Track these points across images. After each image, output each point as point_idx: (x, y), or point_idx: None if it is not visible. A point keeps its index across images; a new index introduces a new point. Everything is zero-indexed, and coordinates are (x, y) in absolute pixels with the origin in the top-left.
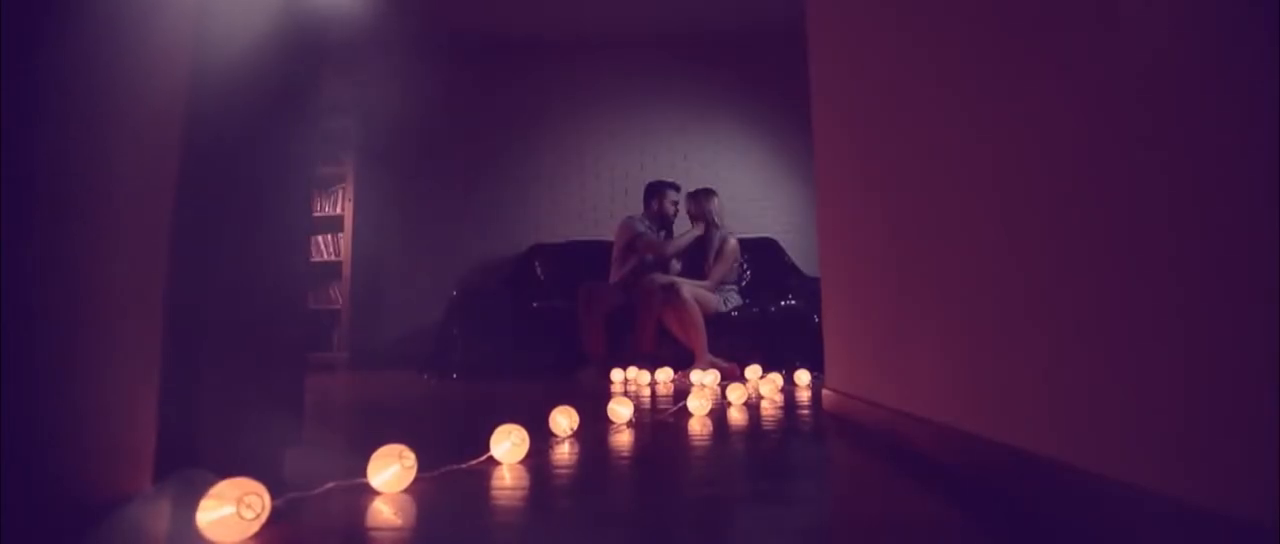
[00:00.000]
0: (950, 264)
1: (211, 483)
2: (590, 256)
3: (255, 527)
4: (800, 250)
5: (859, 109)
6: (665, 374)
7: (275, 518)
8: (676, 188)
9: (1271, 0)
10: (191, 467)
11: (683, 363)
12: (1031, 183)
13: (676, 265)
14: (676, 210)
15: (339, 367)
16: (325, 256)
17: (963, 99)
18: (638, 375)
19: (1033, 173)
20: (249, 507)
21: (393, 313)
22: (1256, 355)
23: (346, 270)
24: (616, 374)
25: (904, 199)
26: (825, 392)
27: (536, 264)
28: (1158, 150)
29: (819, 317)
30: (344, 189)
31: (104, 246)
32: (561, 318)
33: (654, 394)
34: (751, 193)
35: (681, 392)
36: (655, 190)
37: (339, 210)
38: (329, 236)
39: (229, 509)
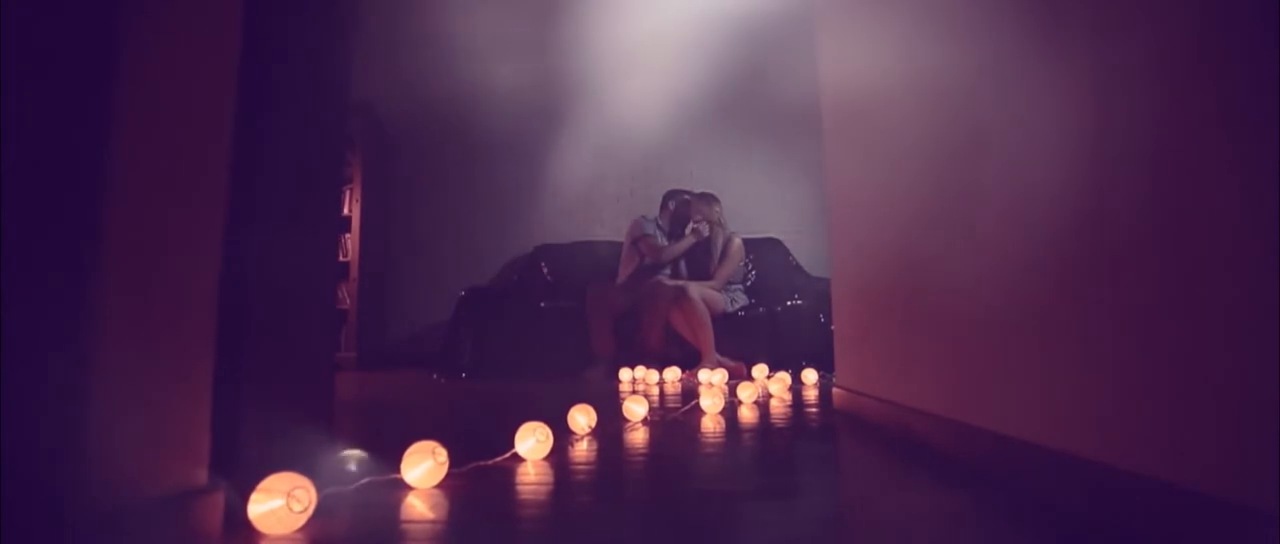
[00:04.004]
0: (961, 262)
1: (259, 477)
2: (596, 257)
3: (303, 519)
4: (805, 251)
5: (868, 108)
6: (673, 373)
7: (317, 512)
8: (691, 194)
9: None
10: (237, 463)
11: (689, 362)
12: (1038, 181)
13: (678, 268)
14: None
15: (347, 367)
16: None
17: (969, 100)
18: (646, 375)
19: (1038, 171)
20: (298, 500)
21: (399, 313)
22: (1261, 351)
23: (354, 271)
24: (624, 373)
25: (914, 198)
26: (836, 389)
27: (543, 264)
28: (1165, 148)
29: (825, 316)
30: (351, 189)
31: (169, 246)
32: (569, 318)
33: (662, 393)
34: (757, 193)
35: (689, 391)
36: (673, 195)
37: (346, 211)
38: None
39: (279, 502)
